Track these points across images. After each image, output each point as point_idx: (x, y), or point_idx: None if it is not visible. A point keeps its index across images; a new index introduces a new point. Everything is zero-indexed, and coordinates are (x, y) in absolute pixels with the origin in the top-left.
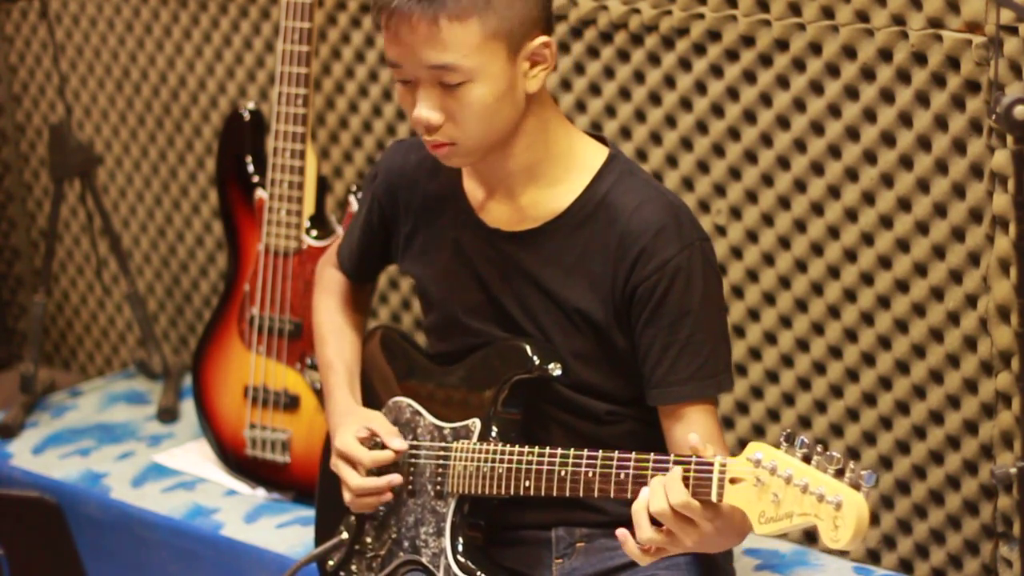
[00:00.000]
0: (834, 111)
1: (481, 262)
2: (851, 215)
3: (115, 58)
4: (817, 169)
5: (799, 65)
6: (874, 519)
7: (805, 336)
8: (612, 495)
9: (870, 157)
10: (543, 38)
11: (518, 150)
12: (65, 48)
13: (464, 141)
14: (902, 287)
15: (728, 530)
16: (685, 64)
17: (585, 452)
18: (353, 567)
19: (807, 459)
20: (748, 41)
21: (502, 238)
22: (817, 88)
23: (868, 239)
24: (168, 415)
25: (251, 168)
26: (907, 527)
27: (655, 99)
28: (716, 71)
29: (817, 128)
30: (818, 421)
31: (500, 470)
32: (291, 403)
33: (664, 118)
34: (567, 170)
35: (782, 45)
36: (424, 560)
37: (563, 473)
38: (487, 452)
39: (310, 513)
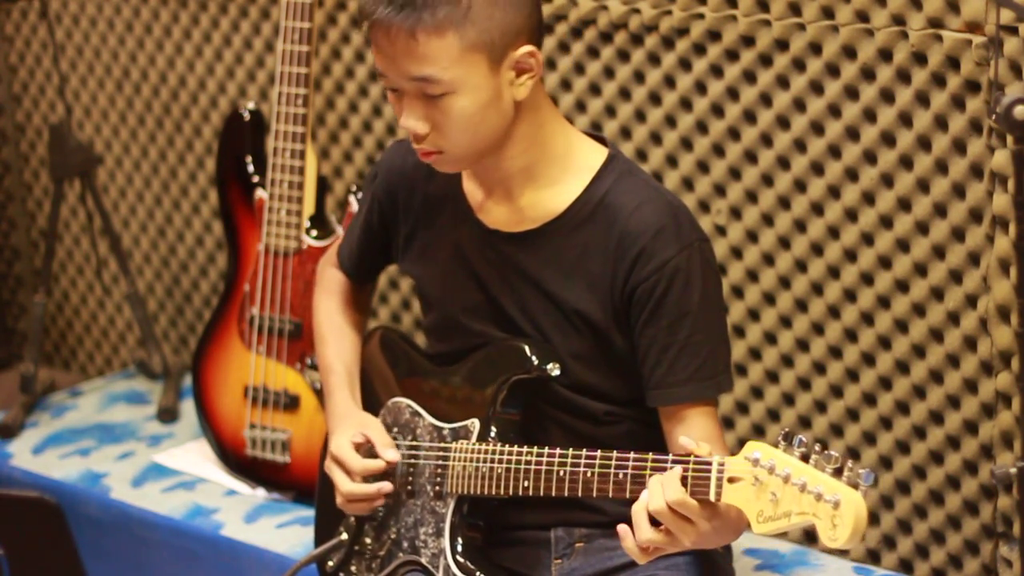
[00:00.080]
0: (834, 111)
1: (480, 263)
2: (851, 215)
3: (115, 58)
4: (817, 169)
5: (799, 65)
6: (874, 519)
7: (805, 336)
8: (611, 495)
9: (870, 157)
10: (527, 47)
11: (514, 153)
12: (65, 48)
13: (451, 150)
14: (902, 287)
15: (725, 528)
16: (685, 64)
17: (584, 452)
18: (353, 568)
19: (805, 458)
20: (748, 41)
21: (501, 239)
22: (817, 88)
23: (868, 239)
24: (168, 415)
25: (251, 168)
26: (907, 527)
27: (655, 99)
28: (716, 71)
29: (817, 128)
30: (818, 421)
31: (499, 470)
32: (291, 403)
33: (664, 118)
34: (566, 171)
35: (782, 45)
36: (423, 560)
37: (562, 473)
38: (486, 452)
39: (310, 513)
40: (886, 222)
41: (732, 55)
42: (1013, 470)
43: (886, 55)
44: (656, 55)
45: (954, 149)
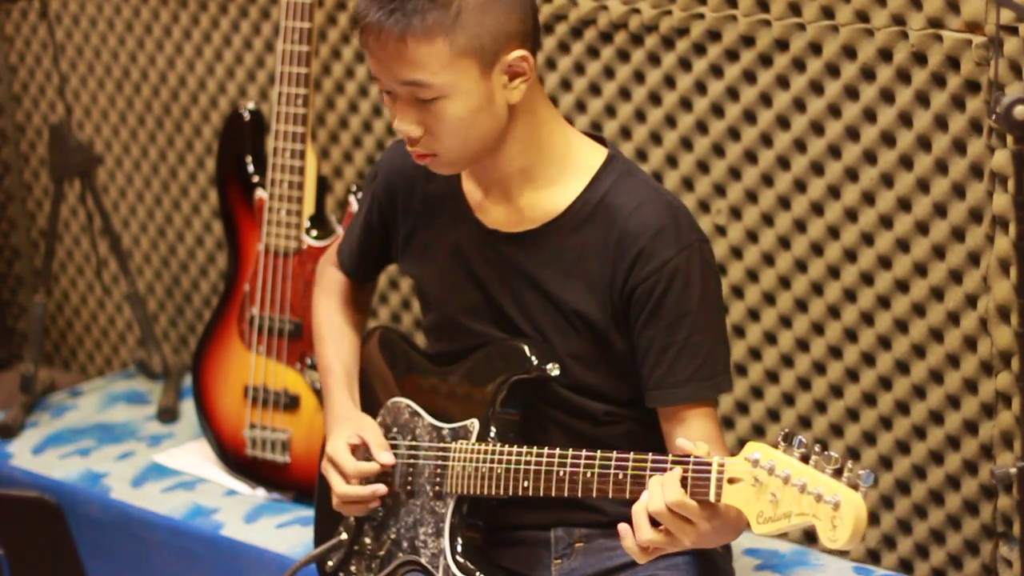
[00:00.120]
0: (834, 111)
1: (479, 263)
2: (851, 215)
3: (115, 58)
4: (817, 169)
5: (799, 65)
6: (874, 519)
7: (805, 336)
8: (611, 495)
9: (870, 157)
10: (519, 52)
11: (511, 155)
12: (65, 48)
13: (444, 153)
14: (902, 287)
15: (725, 528)
16: (685, 64)
17: (583, 453)
18: (352, 568)
19: (805, 459)
20: (748, 41)
21: (500, 239)
22: (817, 88)
23: (868, 239)
24: (168, 415)
25: (251, 168)
26: (907, 527)
27: (655, 99)
28: (716, 71)
29: (817, 128)
30: (818, 421)
31: (499, 470)
32: (291, 403)
33: (664, 118)
34: (565, 171)
35: (782, 45)
36: (423, 561)
37: (562, 473)
38: (486, 452)
39: (310, 513)
40: (886, 222)
41: (732, 55)
42: (1013, 470)
43: (886, 55)
44: (656, 55)
45: (954, 149)
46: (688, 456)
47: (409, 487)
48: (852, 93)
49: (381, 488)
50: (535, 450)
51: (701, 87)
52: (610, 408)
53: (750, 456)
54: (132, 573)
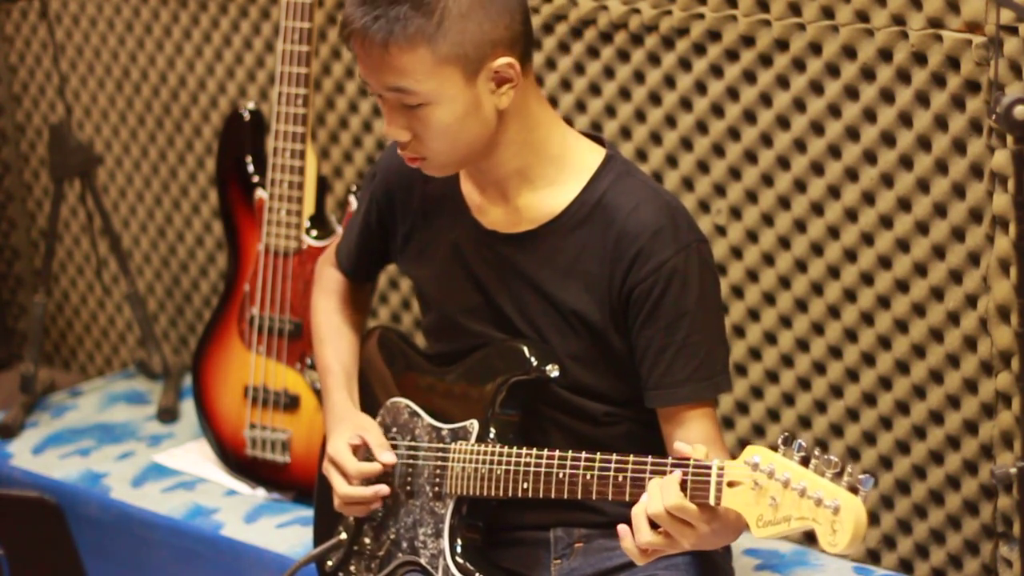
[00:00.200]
0: (834, 111)
1: (478, 263)
2: (851, 215)
3: (115, 58)
4: (817, 169)
5: (799, 65)
6: (874, 519)
7: (805, 336)
8: (610, 498)
9: (870, 157)
10: (505, 59)
11: (506, 157)
12: (65, 48)
13: (433, 157)
14: (902, 287)
15: (725, 530)
16: (685, 64)
17: (583, 454)
18: (352, 567)
19: (805, 462)
20: (748, 41)
21: (499, 240)
22: (817, 88)
23: (868, 239)
24: (168, 415)
25: (251, 168)
26: (907, 527)
27: (655, 99)
28: (716, 71)
29: (817, 128)
30: (818, 421)
31: (498, 472)
32: (291, 403)
33: (664, 118)
34: (562, 172)
35: (782, 45)
36: (423, 561)
37: (561, 475)
38: (485, 453)
39: (310, 513)
40: (886, 222)
41: (732, 55)
42: (1013, 470)
43: (886, 55)
44: (656, 55)
45: (954, 149)
46: (688, 459)
47: (408, 487)
48: (852, 93)
49: (383, 489)
50: (534, 451)
51: (701, 87)
52: (609, 409)
53: (750, 459)
54: (132, 573)
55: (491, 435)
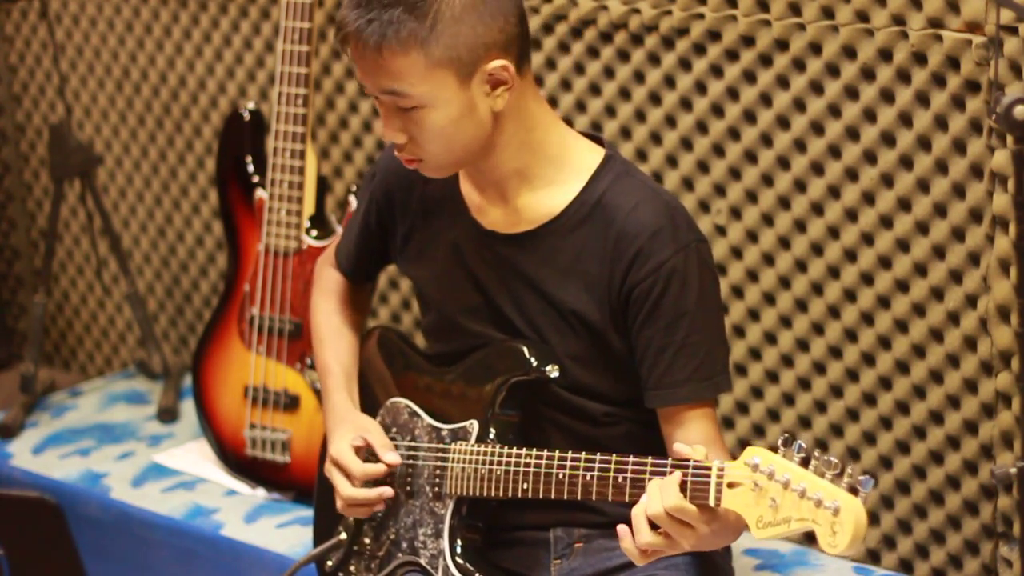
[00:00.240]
0: (834, 111)
1: (478, 264)
2: (851, 215)
3: (115, 58)
4: (817, 169)
5: (799, 65)
6: (874, 519)
7: (805, 336)
8: (610, 498)
9: (870, 157)
10: (499, 61)
11: (504, 158)
12: (65, 48)
13: (429, 159)
14: (902, 287)
15: (725, 531)
16: (685, 64)
17: (583, 455)
18: (352, 568)
19: (805, 463)
20: (748, 41)
21: (498, 240)
22: (817, 88)
23: (868, 239)
24: (168, 415)
25: (251, 168)
26: (907, 527)
27: (655, 99)
28: (716, 71)
29: (817, 128)
30: (818, 421)
31: (498, 472)
32: (291, 403)
33: (664, 118)
34: (561, 172)
35: (782, 45)
36: (423, 561)
37: (561, 476)
38: (485, 454)
39: (310, 513)
40: (886, 222)
41: (732, 55)
42: (1013, 470)
43: (886, 55)
44: (656, 55)
45: (954, 149)
46: (687, 460)
47: (408, 488)
48: (852, 93)
49: (387, 491)
50: (534, 452)
51: (701, 87)
52: (609, 409)
53: (750, 460)
54: (132, 573)
55: (491, 435)
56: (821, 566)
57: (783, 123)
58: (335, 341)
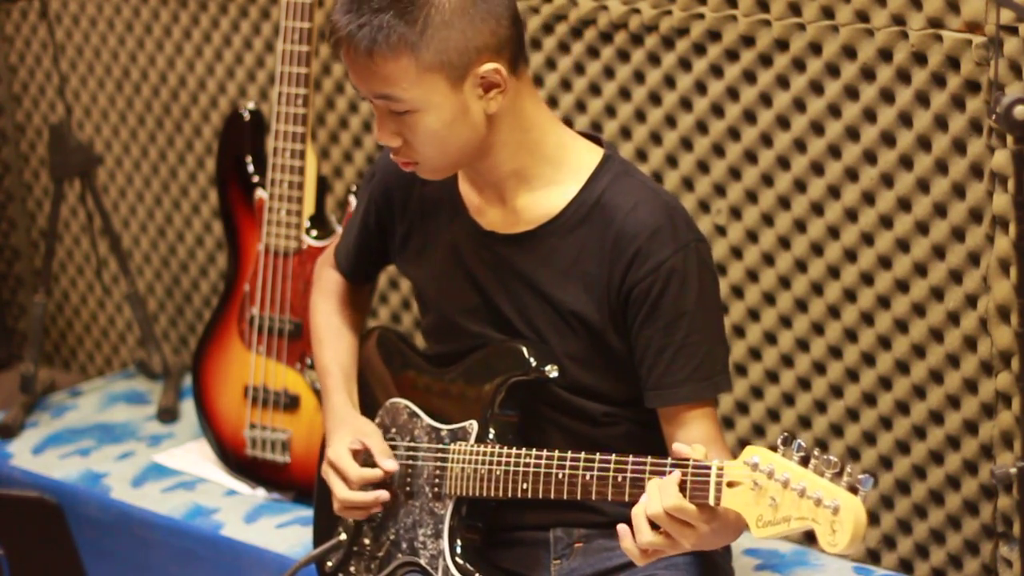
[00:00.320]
0: (834, 111)
1: (476, 264)
2: (851, 215)
3: (115, 58)
4: (817, 169)
5: (799, 65)
6: (874, 519)
7: (805, 336)
8: (610, 498)
9: (870, 157)
10: (491, 64)
11: (501, 159)
12: (65, 48)
13: (424, 162)
14: (902, 287)
15: (725, 530)
16: (685, 64)
17: (583, 455)
18: (352, 568)
19: (805, 462)
20: (748, 41)
21: (497, 240)
22: (817, 88)
23: (868, 239)
24: (168, 415)
25: (251, 168)
26: (907, 527)
27: (655, 99)
28: (716, 71)
29: (817, 128)
30: (818, 421)
31: (498, 472)
32: (291, 403)
33: (664, 118)
34: (560, 172)
35: (782, 45)
36: (422, 562)
37: (560, 476)
38: (484, 454)
39: (310, 513)
40: (886, 222)
41: (732, 55)
42: (1013, 470)
43: (886, 55)
44: (656, 55)
45: (954, 149)
46: (687, 459)
47: (408, 488)
48: (852, 93)
49: (384, 494)
50: (534, 452)
51: (701, 87)
52: (609, 409)
53: (749, 460)
54: (132, 573)
55: (490, 435)
56: (821, 566)
57: (783, 123)
58: (334, 342)
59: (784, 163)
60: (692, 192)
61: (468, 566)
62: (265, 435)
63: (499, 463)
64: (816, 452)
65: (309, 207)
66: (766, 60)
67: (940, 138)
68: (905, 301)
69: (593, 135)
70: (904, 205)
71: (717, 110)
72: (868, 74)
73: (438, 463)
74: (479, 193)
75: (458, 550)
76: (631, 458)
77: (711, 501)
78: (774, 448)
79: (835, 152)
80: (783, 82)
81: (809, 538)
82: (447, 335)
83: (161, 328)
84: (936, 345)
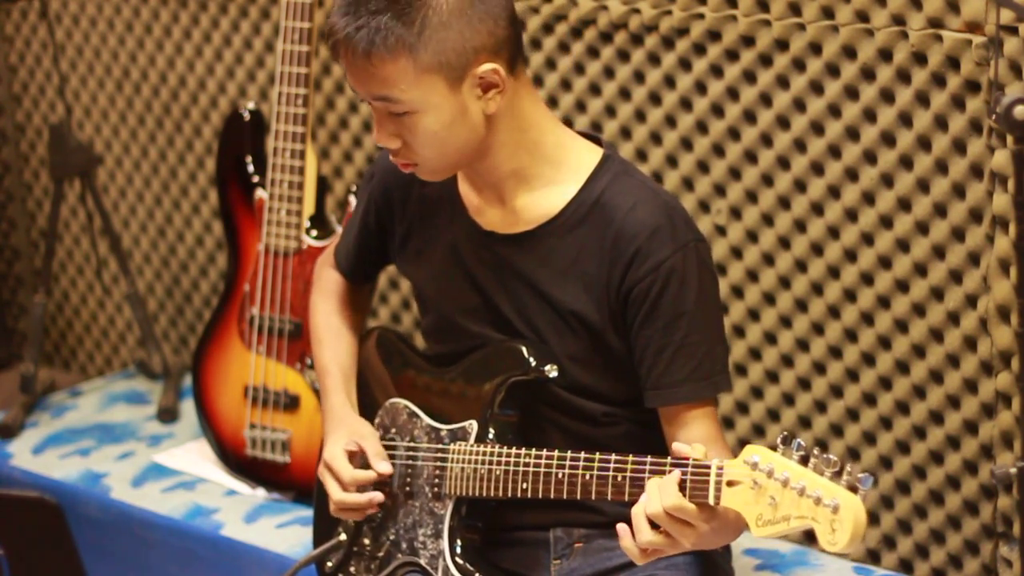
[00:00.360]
0: (834, 111)
1: (476, 264)
2: (851, 215)
3: (115, 58)
4: (817, 169)
5: (799, 65)
6: (874, 519)
7: (805, 336)
8: (609, 498)
9: (870, 157)
10: (489, 65)
11: (500, 160)
12: (65, 48)
13: (423, 163)
14: (902, 287)
15: (725, 529)
16: (685, 64)
17: (582, 454)
18: (352, 568)
19: (804, 461)
20: (748, 41)
21: (497, 240)
22: (817, 88)
23: (868, 239)
24: (168, 415)
25: (251, 168)
26: (907, 527)
27: (655, 99)
28: (716, 71)
29: (817, 128)
30: (818, 421)
31: (497, 472)
32: (291, 403)
33: (664, 118)
34: (559, 172)
35: (782, 45)
36: (422, 562)
37: (560, 475)
38: (484, 454)
39: (310, 513)
40: (886, 222)
41: (732, 55)
42: (1013, 470)
43: (886, 55)
44: (656, 55)
45: (954, 149)
46: (687, 459)
47: (408, 488)
48: (852, 93)
49: (378, 496)
50: (533, 452)
51: (701, 87)
52: (608, 409)
53: (749, 459)
54: (132, 573)
55: (490, 435)
56: (821, 566)
57: (783, 123)
58: (334, 342)
59: (784, 163)
60: (692, 192)
61: (468, 566)
62: (265, 435)
63: (499, 463)
64: (816, 451)
65: (309, 207)
66: (766, 60)
67: (940, 138)
68: (905, 301)
69: (592, 135)
70: (904, 205)
71: (717, 110)
72: (868, 74)
73: (438, 463)
74: (478, 193)
75: (458, 550)
76: (631, 458)
77: (711, 500)
78: (774, 447)
79: (835, 152)
80: (783, 82)
81: (809, 538)
82: (447, 335)
83: (161, 328)
84: (936, 345)
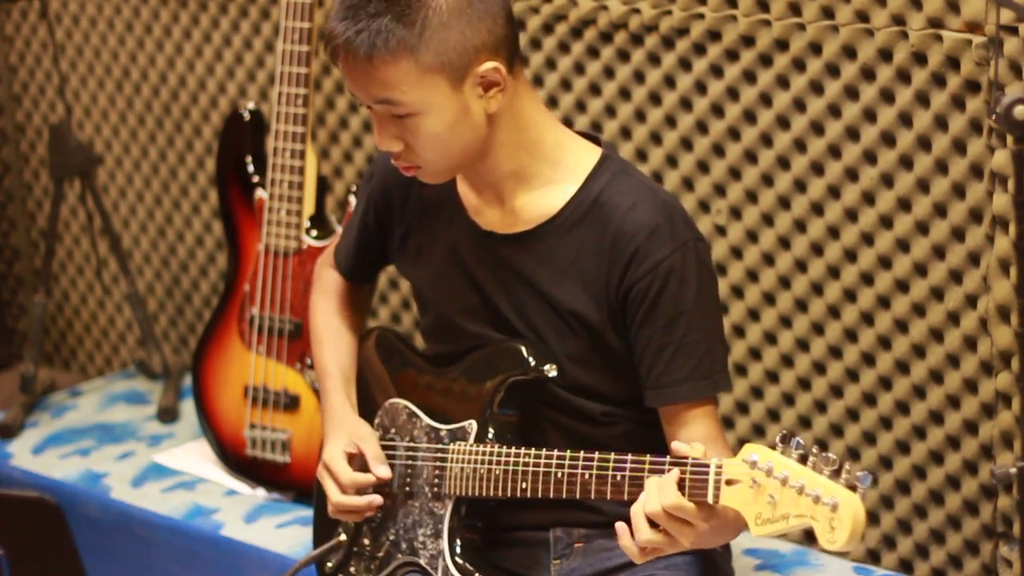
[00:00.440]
0: (834, 111)
1: (475, 264)
2: (851, 215)
3: (115, 58)
4: (817, 169)
5: (799, 65)
6: (874, 519)
7: (805, 336)
8: (609, 497)
9: (870, 157)
10: (490, 64)
11: (500, 159)
12: (65, 48)
13: (426, 165)
14: (902, 287)
15: (724, 528)
16: (685, 64)
17: (582, 454)
18: (352, 568)
19: (803, 460)
20: (748, 41)
21: (496, 240)
22: (817, 88)
23: (868, 239)
24: (168, 415)
25: (251, 168)
26: (907, 527)
27: (655, 99)
28: (716, 71)
29: (817, 128)
30: (818, 421)
31: (497, 472)
32: (291, 403)
33: (664, 118)
34: (558, 172)
35: (782, 45)
36: (422, 562)
37: (560, 475)
38: (484, 454)
39: (310, 513)
40: (886, 222)
41: (732, 55)
42: (1013, 470)
43: (886, 55)
44: (656, 55)
45: (954, 149)
46: (686, 458)
47: (407, 488)
48: (852, 93)
49: (377, 499)
50: (533, 451)
51: (701, 87)
52: (608, 408)
53: (748, 457)
54: (132, 573)
55: (490, 435)
56: (821, 566)
57: (783, 123)
58: (334, 342)
59: (784, 163)
60: (692, 192)
61: (468, 566)
62: (265, 435)
63: (498, 463)
64: (814, 450)
65: (309, 207)
66: (766, 60)
67: (940, 138)
68: (905, 301)
69: (591, 135)
70: (904, 205)
71: (717, 110)
72: (868, 74)
73: (437, 463)
74: (477, 193)
75: (458, 550)
76: (630, 457)
77: (710, 499)
78: (773, 446)
79: (835, 152)
80: (783, 82)
81: (809, 538)
82: (446, 335)
83: (161, 328)
84: (936, 345)
